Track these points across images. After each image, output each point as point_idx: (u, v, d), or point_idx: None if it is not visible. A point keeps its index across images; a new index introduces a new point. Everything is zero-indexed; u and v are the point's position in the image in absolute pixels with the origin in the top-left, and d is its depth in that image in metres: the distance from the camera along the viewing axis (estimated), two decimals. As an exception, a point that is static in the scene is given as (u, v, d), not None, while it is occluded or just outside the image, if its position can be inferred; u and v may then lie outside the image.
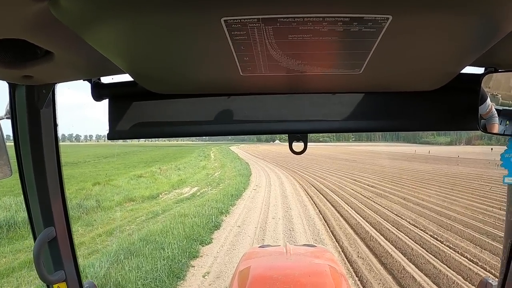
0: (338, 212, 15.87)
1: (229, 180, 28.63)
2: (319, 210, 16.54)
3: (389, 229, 12.67)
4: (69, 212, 1.80)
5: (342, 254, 10.56)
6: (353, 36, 0.90)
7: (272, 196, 20.69)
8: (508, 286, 1.71)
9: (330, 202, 18.18)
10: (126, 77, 1.47)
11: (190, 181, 30.15)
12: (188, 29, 0.86)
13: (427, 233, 12.13)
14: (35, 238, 1.66)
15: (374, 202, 17.97)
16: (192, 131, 1.61)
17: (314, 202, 18.49)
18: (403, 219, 14.25)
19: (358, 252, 10.57)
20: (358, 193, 21.03)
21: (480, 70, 1.51)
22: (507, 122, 1.54)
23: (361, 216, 14.87)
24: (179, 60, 1.09)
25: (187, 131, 1.62)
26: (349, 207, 16.73)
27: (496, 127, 1.55)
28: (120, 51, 1.04)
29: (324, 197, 19.90)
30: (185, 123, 1.61)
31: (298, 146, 1.61)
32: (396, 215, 14.92)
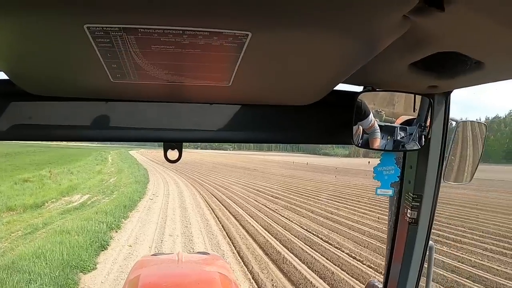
0: (244, 228, 14.79)
1: (124, 187, 26.39)
2: (222, 226, 15.33)
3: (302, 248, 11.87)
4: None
5: (254, 283, 9.39)
6: (216, 49, 0.91)
7: (170, 208, 19.12)
8: (391, 285, 1.94)
9: (234, 216, 17.07)
10: (3, 76, 1.34)
11: (82, 187, 27.60)
12: (55, 33, 0.86)
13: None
14: None
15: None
16: (69, 135, 1.55)
17: (216, 216, 17.21)
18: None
19: (272, 279, 9.47)
20: (262, 204, 20.36)
21: (359, 88, 1.61)
22: (388, 137, 1.64)
23: (269, 233, 13.99)
24: (50, 62, 1.08)
25: (64, 135, 1.55)
26: (255, 222, 15.76)
27: (378, 142, 1.63)
28: None
29: (227, 209, 18.76)
30: (62, 127, 1.53)
31: (173, 154, 1.60)
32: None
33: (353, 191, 27.24)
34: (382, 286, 2.02)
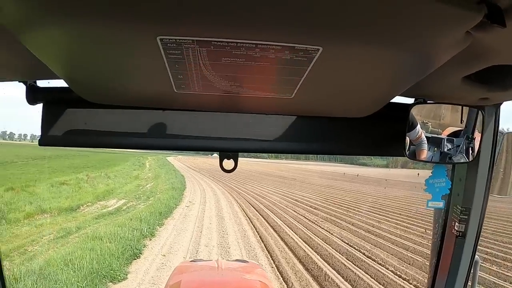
0: (283, 240, 14.05)
1: (160, 193, 26.08)
2: (260, 237, 14.61)
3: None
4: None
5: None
6: (285, 63, 0.93)
7: (207, 216, 18.53)
8: None
9: (272, 227, 16.34)
10: (63, 83, 1.37)
11: (119, 192, 27.40)
12: (125, 43, 0.88)
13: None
14: None
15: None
16: (125, 143, 1.59)
17: (254, 226, 16.50)
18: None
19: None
20: (301, 215, 19.51)
21: (410, 100, 1.63)
22: (435, 149, 1.63)
23: (309, 246, 13.11)
24: (114, 72, 1.12)
25: (119, 143, 1.59)
26: (294, 234, 14.94)
27: (425, 153, 1.63)
28: (55, 57, 1.04)
29: (265, 219, 18.03)
30: (118, 134, 1.57)
31: (228, 164, 1.62)
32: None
33: (397, 204, 25.90)
34: None
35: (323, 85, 1.15)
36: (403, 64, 0.97)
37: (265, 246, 13.17)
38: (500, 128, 1.70)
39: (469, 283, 1.83)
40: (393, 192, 34.87)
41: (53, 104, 1.56)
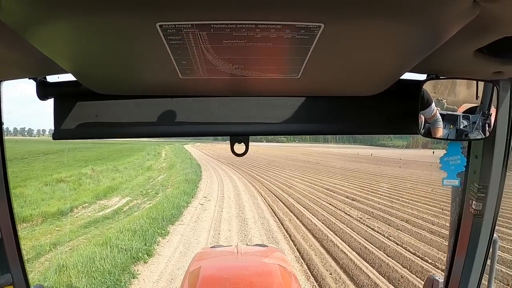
0: (324, 248, 10.54)
1: (172, 187, 22.73)
2: (295, 245, 10.98)
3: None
4: (16, 213, 1.82)
5: None
6: (287, 42, 0.93)
7: (225, 219, 14.65)
8: (453, 281, 1.88)
9: (309, 230, 12.60)
10: (71, 76, 1.41)
11: (124, 187, 24.17)
12: (125, 32, 0.89)
13: None
14: None
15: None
16: (136, 132, 1.63)
17: (286, 230, 12.74)
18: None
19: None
20: (340, 209, 15.85)
21: (422, 77, 1.61)
22: (451, 126, 1.60)
23: (359, 256, 9.80)
24: (118, 62, 1.15)
25: (130, 132, 1.63)
26: (338, 238, 11.42)
27: (440, 131, 1.61)
28: (61, 51, 1.07)
29: (298, 219, 14.23)
30: (128, 124, 1.62)
31: (239, 148, 1.64)
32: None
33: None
34: (443, 280, 2.00)
35: (329, 63, 1.14)
36: (411, 38, 0.95)
37: (302, 258, 9.71)
38: None
39: (489, 262, 1.79)
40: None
41: (63, 98, 1.61)
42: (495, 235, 1.77)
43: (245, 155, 1.65)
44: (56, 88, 1.60)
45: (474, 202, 1.74)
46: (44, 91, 1.59)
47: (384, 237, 11.67)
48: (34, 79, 1.57)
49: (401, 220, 13.71)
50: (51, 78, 1.62)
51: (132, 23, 0.82)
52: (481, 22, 0.95)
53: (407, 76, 1.46)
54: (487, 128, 1.55)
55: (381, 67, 1.21)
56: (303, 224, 13.37)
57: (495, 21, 0.97)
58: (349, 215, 14.95)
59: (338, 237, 11.69)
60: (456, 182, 1.73)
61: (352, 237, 11.53)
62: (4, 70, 1.37)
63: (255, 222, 14.02)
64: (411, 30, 0.89)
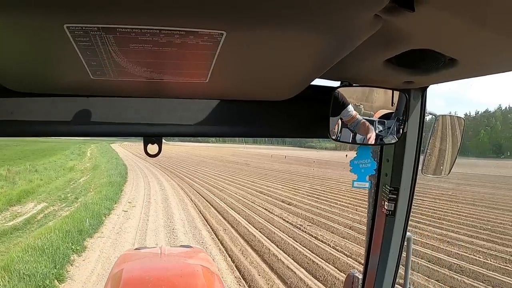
0: (267, 264, 9.48)
1: (94, 191, 20.93)
2: (233, 261, 9.93)
3: None
4: None
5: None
6: (192, 48, 0.94)
7: (151, 229, 13.11)
8: (370, 276, 1.97)
9: (247, 241, 11.58)
10: None
11: (41, 191, 21.92)
12: (35, 32, 0.88)
13: None
14: None
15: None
16: (50, 131, 1.58)
17: (222, 245, 11.45)
18: None
19: None
20: (278, 216, 14.95)
21: (337, 83, 1.63)
22: (363, 131, 1.66)
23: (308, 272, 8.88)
24: (30, 59, 1.10)
25: (44, 131, 1.58)
26: (281, 252, 10.38)
27: (354, 136, 1.65)
28: None
29: (233, 228, 13.11)
30: (43, 123, 1.56)
31: (152, 148, 1.63)
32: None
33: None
34: (362, 276, 2.07)
35: (236, 69, 1.16)
36: (316, 47, 0.97)
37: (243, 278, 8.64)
38: (447, 111, 1.89)
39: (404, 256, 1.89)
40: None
41: None
42: (408, 233, 1.87)
43: (161, 155, 1.65)
44: None
45: (386, 203, 1.82)
46: None
47: (318, 240, 11.30)
48: None
49: (344, 226, 13.02)
50: None
51: (41, 23, 0.81)
52: (387, 35, 0.98)
53: (323, 82, 1.58)
54: (399, 133, 1.59)
55: (289, 73, 1.22)
56: (240, 235, 12.24)
57: (400, 34, 0.99)
58: (287, 221, 14.27)
59: (277, 245, 10.93)
60: (366, 184, 1.79)
61: (292, 245, 10.83)
62: None
63: (186, 233, 12.59)
64: (313, 39, 0.91)
